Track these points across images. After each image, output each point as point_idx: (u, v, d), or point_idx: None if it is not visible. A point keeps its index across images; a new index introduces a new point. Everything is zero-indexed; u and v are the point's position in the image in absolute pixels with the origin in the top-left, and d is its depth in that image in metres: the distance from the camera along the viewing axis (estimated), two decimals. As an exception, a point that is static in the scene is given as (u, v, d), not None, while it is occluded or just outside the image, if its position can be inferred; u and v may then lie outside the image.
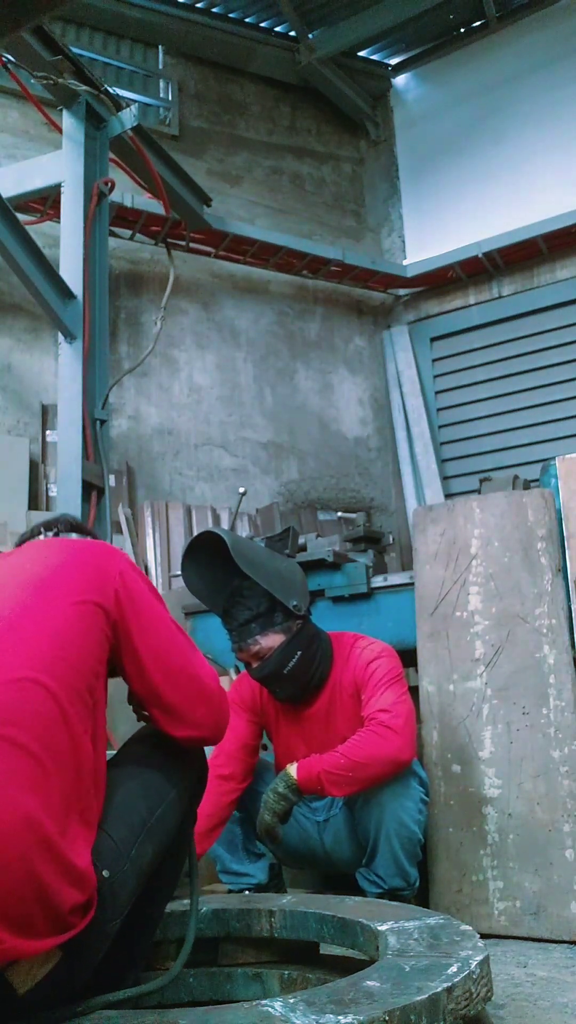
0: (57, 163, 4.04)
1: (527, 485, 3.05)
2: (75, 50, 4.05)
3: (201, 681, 1.52)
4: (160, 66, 6.18)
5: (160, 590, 3.88)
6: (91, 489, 3.71)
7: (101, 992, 1.34)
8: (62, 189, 3.99)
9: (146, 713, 1.58)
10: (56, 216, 4.34)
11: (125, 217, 5.18)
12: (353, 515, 4.55)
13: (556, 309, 5.90)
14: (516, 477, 3.07)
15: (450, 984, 1.24)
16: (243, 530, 5.17)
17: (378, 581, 3.09)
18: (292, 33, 6.25)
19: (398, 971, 1.31)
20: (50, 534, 1.69)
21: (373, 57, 6.74)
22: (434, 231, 6.34)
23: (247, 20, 6.26)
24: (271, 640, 2.41)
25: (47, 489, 4.82)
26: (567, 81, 6.03)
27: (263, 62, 6.39)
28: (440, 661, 2.66)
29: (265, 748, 2.69)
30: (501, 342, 6.06)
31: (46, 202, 4.71)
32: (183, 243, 5.42)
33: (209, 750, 2.08)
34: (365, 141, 6.92)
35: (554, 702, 2.48)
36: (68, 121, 3.99)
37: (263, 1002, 1.21)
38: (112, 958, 1.36)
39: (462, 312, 6.25)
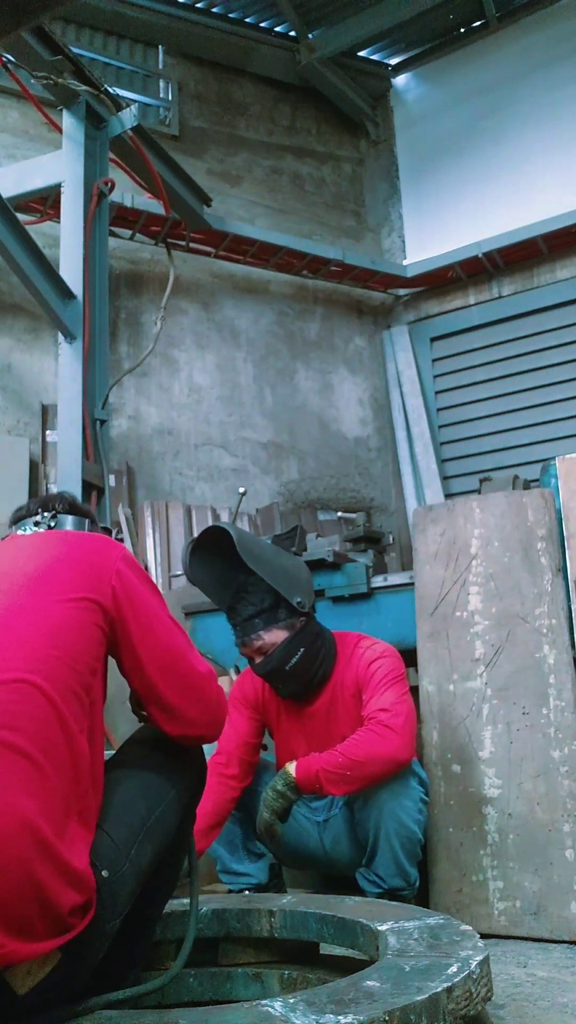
0: (57, 163, 4.04)
1: (527, 485, 3.05)
2: (75, 50, 4.05)
3: (198, 679, 1.52)
4: (160, 66, 6.18)
5: (160, 590, 3.88)
6: (91, 489, 3.71)
7: (101, 992, 1.34)
8: (62, 189, 3.99)
9: (144, 713, 1.58)
10: (56, 216, 4.34)
11: (125, 217, 5.18)
12: (353, 515, 4.54)
13: (556, 309, 5.90)
14: (516, 477, 3.07)
15: (450, 984, 1.24)
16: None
17: (378, 581, 3.09)
18: (292, 33, 6.25)
19: (398, 971, 1.31)
20: (47, 515, 1.63)
21: (373, 57, 6.73)
22: (434, 231, 6.34)
23: (247, 20, 6.26)
24: (274, 636, 2.42)
25: (47, 489, 4.82)
26: (567, 81, 6.02)
27: (263, 62, 6.39)
28: (440, 661, 2.66)
29: (265, 748, 2.70)
30: (501, 342, 6.05)
31: (46, 202, 4.71)
32: (183, 243, 5.42)
33: (209, 749, 2.08)
34: (365, 141, 6.92)
35: (554, 702, 2.48)
36: (68, 121, 3.99)
37: (263, 1002, 1.21)
38: (112, 958, 1.36)
39: (462, 312, 6.25)
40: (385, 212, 6.74)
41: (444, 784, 2.55)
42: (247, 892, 2.51)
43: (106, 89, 4.05)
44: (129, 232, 5.34)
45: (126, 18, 5.90)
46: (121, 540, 4.53)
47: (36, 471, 4.87)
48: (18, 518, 1.66)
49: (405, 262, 6.37)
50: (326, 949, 1.90)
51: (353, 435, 6.28)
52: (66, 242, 3.93)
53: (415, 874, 2.38)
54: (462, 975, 1.28)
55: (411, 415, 6.15)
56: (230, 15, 6.20)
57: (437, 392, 6.26)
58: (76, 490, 3.62)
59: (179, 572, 4.64)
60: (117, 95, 4.19)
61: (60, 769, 1.25)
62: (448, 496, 5.83)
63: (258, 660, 2.47)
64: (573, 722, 2.44)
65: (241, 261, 5.80)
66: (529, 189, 5.94)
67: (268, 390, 6.00)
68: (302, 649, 2.43)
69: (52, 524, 1.62)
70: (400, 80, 6.83)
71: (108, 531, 2.07)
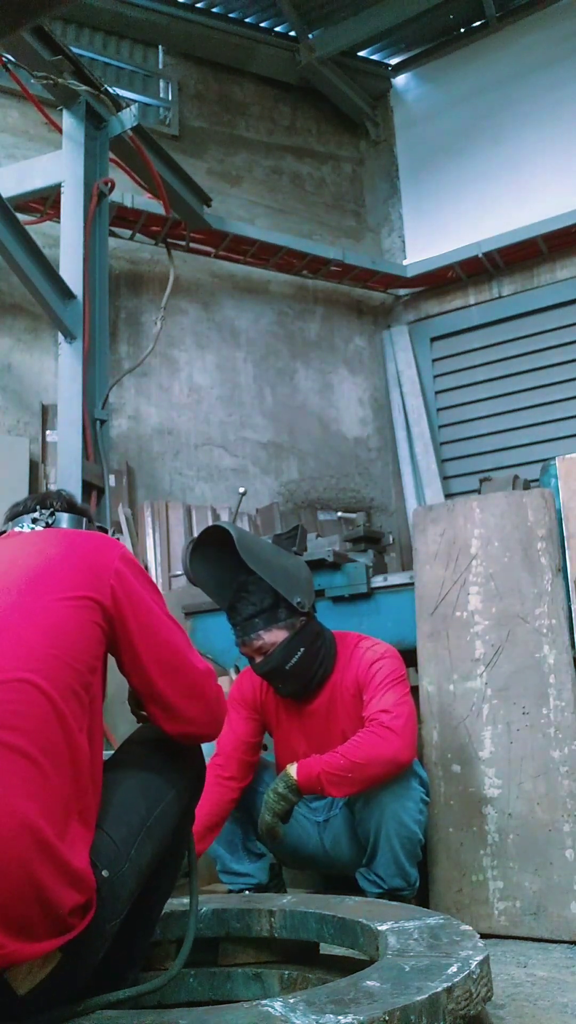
0: (57, 163, 4.04)
1: (527, 485, 3.05)
2: (75, 50, 4.05)
3: (198, 677, 1.52)
4: (160, 66, 6.18)
5: (160, 590, 3.88)
6: (91, 489, 3.71)
7: (101, 992, 1.34)
8: (62, 189, 3.98)
9: (143, 713, 1.57)
10: (56, 216, 4.34)
11: (125, 217, 5.17)
12: (353, 515, 4.55)
13: (556, 309, 5.90)
14: (516, 477, 3.07)
15: (450, 984, 1.24)
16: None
17: (378, 581, 3.09)
18: (292, 33, 6.25)
19: (398, 971, 1.31)
20: (45, 512, 1.63)
21: (373, 57, 6.74)
22: (434, 231, 6.34)
23: (247, 20, 6.26)
24: (274, 636, 2.43)
25: (47, 489, 4.81)
26: (567, 81, 6.02)
27: (263, 62, 6.39)
28: (440, 661, 2.66)
29: (265, 748, 2.70)
30: (501, 342, 6.06)
31: (46, 202, 4.71)
32: (183, 243, 5.42)
33: (209, 749, 2.08)
34: (365, 141, 6.92)
35: (554, 702, 2.48)
36: (68, 121, 3.99)
37: (263, 1002, 1.21)
38: (112, 958, 1.36)
39: (462, 312, 6.25)
40: (385, 212, 6.74)
41: (444, 784, 2.55)
42: (247, 892, 2.51)
43: (106, 89, 4.05)
44: (129, 232, 5.34)
45: (126, 18, 5.90)
46: (119, 539, 4.53)
47: (36, 471, 4.87)
48: (15, 514, 1.65)
49: (405, 262, 6.37)
50: (326, 949, 1.90)
51: (353, 435, 6.28)
52: (66, 242, 3.92)
53: (415, 874, 2.38)
54: (462, 975, 1.28)
55: (411, 415, 6.16)
56: (230, 15, 6.20)
57: (437, 392, 6.26)
58: (76, 490, 3.62)
59: (179, 572, 4.64)
60: (117, 95, 4.18)
61: (60, 769, 1.25)
62: (448, 496, 5.83)
63: (258, 660, 2.47)
64: (573, 722, 2.44)
65: (241, 261, 5.80)
66: (529, 189, 5.94)
67: (268, 390, 6.00)
68: (302, 649, 2.44)
69: (50, 522, 1.62)
70: (400, 80, 6.83)
71: (105, 531, 2.06)
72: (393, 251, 6.60)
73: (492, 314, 6.12)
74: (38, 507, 1.65)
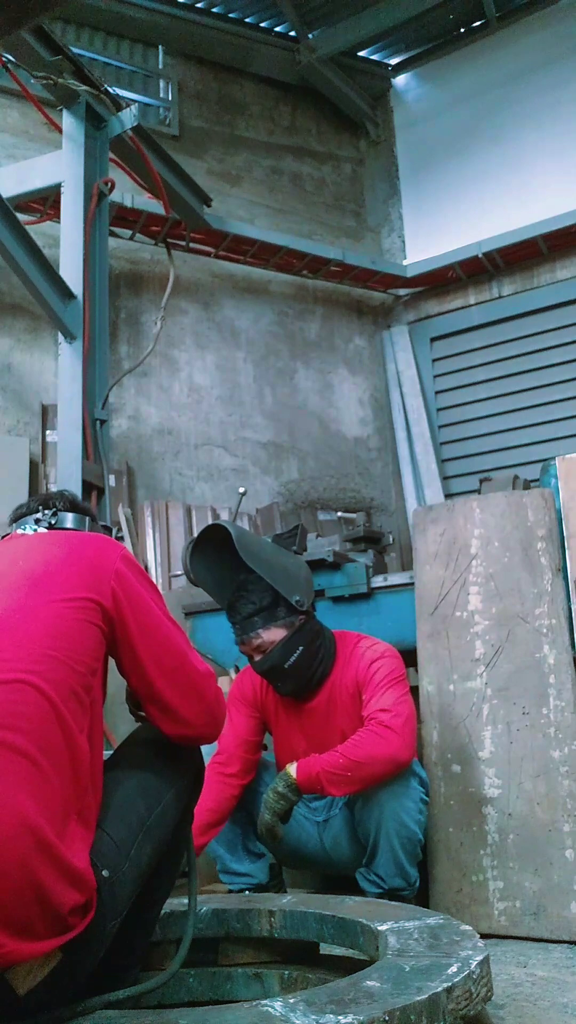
0: (57, 163, 4.04)
1: (527, 485, 3.05)
2: (75, 50, 4.05)
3: (198, 679, 1.52)
4: (160, 66, 6.18)
5: (160, 590, 3.88)
6: (91, 489, 3.71)
7: (101, 992, 1.34)
8: (62, 189, 3.98)
9: (142, 713, 1.58)
10: (56, 216, 4.34)
11: (125, 217, 5.18)
12: (353, 515, 4.55)
13: (556, 309, 5.90)
14: (516, 477, 3.07)
15: (450, 984, 1.24)
16: (243, 530, 5.16)
17: (378, 581, 3.09)
18: (292, 33, 6.25)
19: (398, 971, 1.31)
20: (48, 512, 1.63)
21: (373, 57, 6.73)
22: (434, 231, 6.34)
23: (247, 20, 6.26)
24: (273, 634, 2.43)
25: (47, 489, 4.82)
26: (567, 81, 6.02)
27: (263, 62, 6.39)
28: (440, 661, 2.66)
29: (266, 748, 2.70)
30: (501, 342, 6.06)
31: (46, 202, 4.71)
32: (183, 243, 5.42)
33: (209, 749, 2.08)
34: (365, 141, 6.92)
35: (554, 702, 2.48)
36: (68, 121, 3.99)
37: (263, 1002, 1.21)
38: (111, 958, 1.36)
39: (462, 312, 6.25)
40: (385, 212, 6.74)
41: (444, 784, 2.55)
42: (247, 892, 2.51)
43: (106, 89, 4.05)
44: (129, 232, 5.34)
45: (126, 18, 5.90)
46: (121, 539, 4.53)
47: (36, 471, 4.87)
48: (18, 516, 1.66)
49: (405, 262, 6.37)
50: (326, 949, 1.90)
51: (353, 435, 6.28)
52: (66, 242, 3.92)
53: (415, 874, 2.38)
54: (462, 975, 1.27)
55: (411, 415, 6.16)
56: (230, 15, 6.20)
57: (437, 392, 6.26)
58: (76, 490, 3.62)
59: (179, 572, 4.65)
60: (117, 95, 4.18)
61: (60, 769, 1.25)
62: (448, 496, 5.83)
63: (257, 658, 2.48)
64: (573, 722, 2.44)
65: (241, 261, 5.80)
66: (529, 189, 5.94)
67: (268, 390, 6.00)
68: (301, 647, 2.44)
69: (53, 522, 1.62)
70: (400, 80, 6.83)
71: (108, 529, 2.07)
72: (393, 251, 6.60)
73: (492, 314, 6.12)
74: (41, 508, 1.65)
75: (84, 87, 3.87)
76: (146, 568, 4.87)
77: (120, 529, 4.74)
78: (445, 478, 6.01)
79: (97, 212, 3.98)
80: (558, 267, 5.94)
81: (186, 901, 1.62)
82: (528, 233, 5.75)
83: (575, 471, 2.67)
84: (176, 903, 1.74)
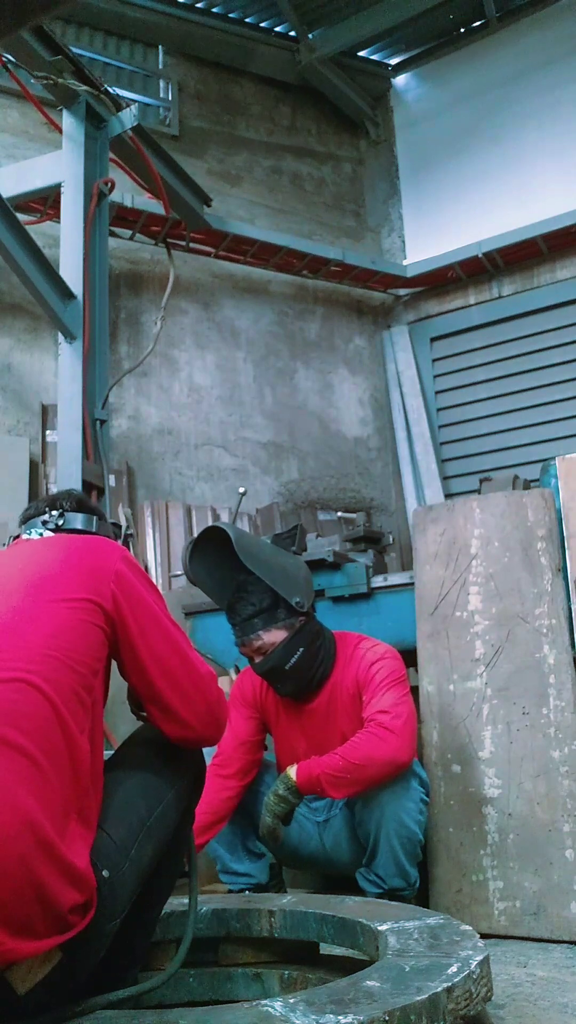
0: (57, 163, 4.04)
1: (527, 485, 3.05)
2: (75, 50, 4.05)
3: (199, 680, 1.52)
4: (160, 66, 6.17)
5: (160, 590, 3.87)
6: (91, 489, 3.71)
7: (101, 992, 1.34)
8: (62, 189, 3.99)
9: (143, 713, 1.58)
10: (56, 216, 4.34)
11: (125, 217, 5.17)
12: (353, 515, 4.55)
13: (556, 309, 5.89)
14: (516, 477, 3.07)
15: (450, 984, 1.24)
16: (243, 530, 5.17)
17: (378, 581, 3.09)
18: (292, 33, 6.24)
19: (398, 971, 1.31)
20: (55, 513, 1.65)
21: (373, 57, 6.73)
22: (434, 231, 6.34)
23: (247, 20, 6.26)
24: (273, 636, 2.43)
25: (47, 489, 4.81)
26: (567, 81, 6.02)
27: (263, 62, 6.38)
28: (440, 661, 2.66)
29: (266, 749, 2.70)
30: (501, 342, 6.05)
31: (46, 202, 4.71)
32: (183, 243, 5.42)
33: (210, 752, 2.08)
34: (365, 141, 6.91)
35: (554, 702, 2.47)
36: (68, 121, 3.99)
37: (263, 1002, 1.21)
38: (111, 958, 1.36)
39: (462, 312, 6.24)
40: (385, 212, 6.73)
41: (444, 784, 2.55)
42: (247, 892, 2.51)
43: (106, 89, 4.05)
44: (129, 232, 5.34)
45: (126, 18, 5.90)
46: (131, 535, 4.52)
47: (36, 471, 4.87)
48: (26, 518, 1.67)
49: (405, 262, 6.37)
50: (326, 949, 1.90)
51: (353, 435, 6.28)
52: (66, 242, 3.92)
53: (415, 874, 2.38)
54: (462, 975, 1.28)
55: (411, 415, 6.15)
56: (230, 15, 6.19)
57: (437, 392, 6.26)
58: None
59: (179, 572, 4.64)
60: (117, 95, 4.18)
61: (60, 770, 1.25)
62: (448, 496, 5.83)
63: (257, 659, 2.47)
64: (573, 722, 2.44)
65: (241, 261, 5.79)
66: (529, 189, 5.94)
67: (268, 390, 6.00)
68: (301, 648, 2.44)
69: (60, 523, 1.63)
70: (400, 80, 6.82)
71: (118, 527, 2.07)
72: (393, 251, 6.60)
73: (492, 314, 6.12)
74: (48, 509, 1.66)
75: (84, 87, 3.87)
76: (146, 568, 4.87)
77: (130, 527, 4.73)
78: (445, 478, 6.01)
79: (97, 212, 3.98)
80: (558, 267, 5.94)
81: (186, 901, 1.62)
82: (528, 233, 5.75)
83: (575, 471, 2.67)
84: (176, 903, 1.74)
